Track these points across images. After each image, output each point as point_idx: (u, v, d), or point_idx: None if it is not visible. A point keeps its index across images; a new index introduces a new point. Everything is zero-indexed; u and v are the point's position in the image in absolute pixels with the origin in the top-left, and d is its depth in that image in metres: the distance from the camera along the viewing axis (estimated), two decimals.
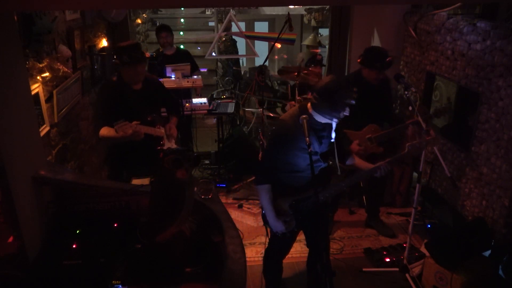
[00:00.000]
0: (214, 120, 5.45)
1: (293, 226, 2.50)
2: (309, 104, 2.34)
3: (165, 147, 3.12)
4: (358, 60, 3.38)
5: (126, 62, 2.88)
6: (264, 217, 2.53)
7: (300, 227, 2.58)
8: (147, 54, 3.21)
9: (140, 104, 3.02)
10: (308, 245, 2.83)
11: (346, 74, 4.90)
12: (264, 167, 2.45)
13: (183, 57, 4.64)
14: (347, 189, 4.26)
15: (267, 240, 2.72)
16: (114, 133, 2.76)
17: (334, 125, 2.40)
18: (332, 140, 2.41)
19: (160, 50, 4.64)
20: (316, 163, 2.41)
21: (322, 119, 2.31)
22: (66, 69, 3.06)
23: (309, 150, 2.18)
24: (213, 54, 5.68)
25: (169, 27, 4.65)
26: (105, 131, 2.90)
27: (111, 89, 3.03)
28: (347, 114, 2.26)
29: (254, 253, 3.48)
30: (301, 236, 2.81)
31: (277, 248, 2.74)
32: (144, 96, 3.07)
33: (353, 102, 2.21)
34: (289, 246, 2.75)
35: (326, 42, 6.87)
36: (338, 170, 2.35)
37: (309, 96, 4.22)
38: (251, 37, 5.31)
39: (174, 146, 3.27)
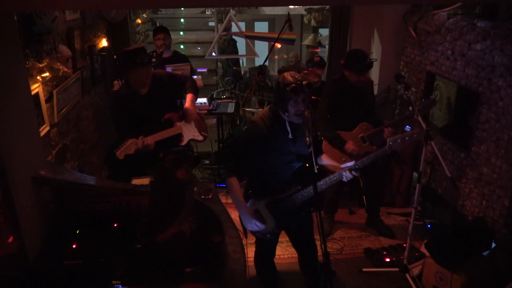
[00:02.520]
0: (214, 120, 5.44)
1: (273, 226, 2.46)
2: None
3: (183, 143, 3.09)
4: (341, 62, 3.44)
5: (131, 66, 2.87)
6: (240, 219, 2.48)
7: (281, 228, 2.53)
8: (153, 60, 3.23)
9: (150, 108, 3.01)
10: (294, 246, 2.81)
11: None
12: (234, 165, 2.39)
13: (180, 62, 4.47)
14: (347, 189, 4.28)
15: (246, 241, 2.64)
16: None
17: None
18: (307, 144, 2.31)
19: (159, 52, 4.58)
20: (291, 163, 2.39)
21: (284, 117, 2.29)
22: (66, 69, 3.06)
23: (309, 150, 2.18)
24: (213, 54, 5.68)
25: (166, 28, 4.48)
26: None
27: (119, 100, 3.04)
28: (297, 110, 2.20)
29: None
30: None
31: (262, 250, 2.73)
32: (153, 98, 3.05)
33: (291, 95, 2.16)
34: (273, 247, 2.74)
35: (326, 42, 6.88)
36: (315, 168, 2.33)
37: None
38: (251, 37, 5.31)
39: (197, 135, 3.20)
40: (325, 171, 2.56)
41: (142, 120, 2.92)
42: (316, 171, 2.22)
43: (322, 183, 2.37)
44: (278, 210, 2.45)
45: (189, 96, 3.22)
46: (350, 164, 2.36)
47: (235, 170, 2.36)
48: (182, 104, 3.29)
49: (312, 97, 4.17)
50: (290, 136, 2.30)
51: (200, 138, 3.31)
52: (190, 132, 3.18)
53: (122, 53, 2.97)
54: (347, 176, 2.34)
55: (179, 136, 3.12)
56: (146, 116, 2.96)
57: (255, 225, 2.33)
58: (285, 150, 2.34)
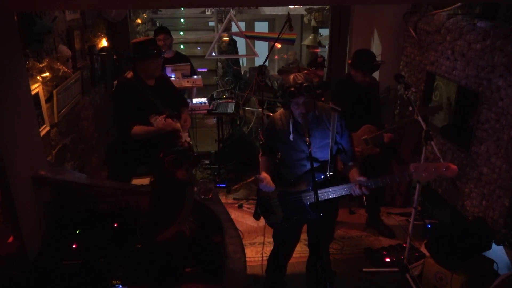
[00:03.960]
0: (214, 120, 5.44)
1: (281, 218, 2.50)
2: None
3: (182, 139, 3.18)
4: (349, 61, 3.45)
5: (141, 57, 2.93)
6: (256, 211, 2.61)
7: (291, 223, 2.53)
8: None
9: (156, 100, 3.06)
10: (308, 245, 2.83)
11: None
12: (262, 146, 2.64)
13: (181, 62, 4.54)
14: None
15: (244, 240, 2.71)
16: (148, 129, 2.88)
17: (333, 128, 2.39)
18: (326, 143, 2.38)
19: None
20: (301, 161, 2.43)
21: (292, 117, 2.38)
22: (66, 69, 3.05)
23: (309, 149, 2.19)
24: (213, 54, 5.68)
25: (167, 29, 4.53)
26: (138, 129, 2.97)
27: (127, 86, 3.06)
28: (300, 111, 2.27)
29: (254, 253, 3.48)
30: (301, 236, 2.81)
31: (278, 247, 2.76)
32: (159, 91, 3.12)
33: (289, 97, 2.23)
34: (290, 245, 2.75)
35: (326, 42, 6.87)
36: (328, 170, 2.33)
37: None
38: (251, 37, 5.30)
39: (188, 138, 3.35)
40: (337, 179, 2.54)
41: (147, 110, 2.96)
42: (328, 176, 2.24)
43: (330, 191, 2.36)
44: (287, 203, 2.48)
45: (185, 109, 3.44)
46: (363, 180, 2.31)
47: (263, 150, 2.61)
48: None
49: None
50: (291, 137, 2.34)
51: (186, 144, 3.38)
52: (184, 133, 3.27)
53: (132, 45, 3.04)
54: (355, 191, 2.29)
55: (178, 133, 3.17)
56: (152, 107, 3.00)
57: (266, 187, 2.38)
58: (295, 147, 2.40)
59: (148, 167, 3.08)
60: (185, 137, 3.28)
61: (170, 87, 3.38)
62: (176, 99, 3.46)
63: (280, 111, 2.53)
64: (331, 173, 2.42)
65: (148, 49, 2.93)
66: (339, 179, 2.50)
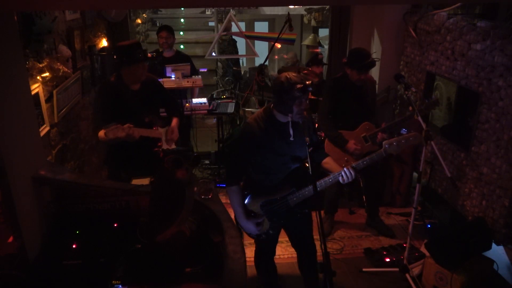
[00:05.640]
0: (214, 120, 5.45)
1: (267, 227, 2.48)
2: (271, 105, 2.35)
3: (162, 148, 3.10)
4: (344, 60, 3.45)
5: (127, 62, 2.81)
6: (236, 219, 2.53)
7: (277, 228, 2.55)
8: (149, 55, 3.16)
9: (138, 105, 2.97)
10: (293, 246, 2.82)
11: None
12: (231, 170, 2.47)
13: (182, 62, 4.49)
14: (347, 189, 4.28)
15: (244, 240, 2.69)
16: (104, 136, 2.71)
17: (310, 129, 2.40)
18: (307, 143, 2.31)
19: (160, 50, 4.60)
20: (286, 164, 2.40)
21: (282, 118, 2.30)
22: (66, 69, 3.05)
23: (309, 150, 2.18)
24: (213, 54, 5.68)
25: (170, 28, 4.52)
26: (102, 133, 2.82)
27: (109, 89, 2.96)
28: (301, 109, 2.23)
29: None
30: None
31: (262, 250, 2.74)
32: (143, 96, 3.02)
33: (299, 94, 2.18)
34: (272, 247, 2.74)
35: (326, 42, 6.88)
36: (310, 170, 2.34)
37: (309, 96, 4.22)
38: (251, 37, 5.31)
39: (172, 147, 3.24)
40: (322, 173, 2.55)
41: (128, 115, 2.86)
42: (310, 172, 2.22)
43: (317, 185, 2.32)
44: (272, 211, 2.46)
45: (175, 119, 3.29)
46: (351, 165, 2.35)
47: (233, 177, 2.44)
48: (160, 116, 3.28)
49: (311, 97, 4.19)
50: (291, 138, 2.31)
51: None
52: (167, 144, 3.18)
53: (117, 48, 2.89)
54: (346, 173, 2.29)
55: (158, 141, 3.10)
56: (133, 113, 2.91)
57: (251, 227, 2.44)
58: (279, 152, 2.35)
59: (128, 172, 2.99)
60: (168, 147, 3.15)
61: (158, 91, 3.21)
62: (166, 105, 3.33)
63: (252, 117, 2.39)
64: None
65: (135, 53, 2.80)
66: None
